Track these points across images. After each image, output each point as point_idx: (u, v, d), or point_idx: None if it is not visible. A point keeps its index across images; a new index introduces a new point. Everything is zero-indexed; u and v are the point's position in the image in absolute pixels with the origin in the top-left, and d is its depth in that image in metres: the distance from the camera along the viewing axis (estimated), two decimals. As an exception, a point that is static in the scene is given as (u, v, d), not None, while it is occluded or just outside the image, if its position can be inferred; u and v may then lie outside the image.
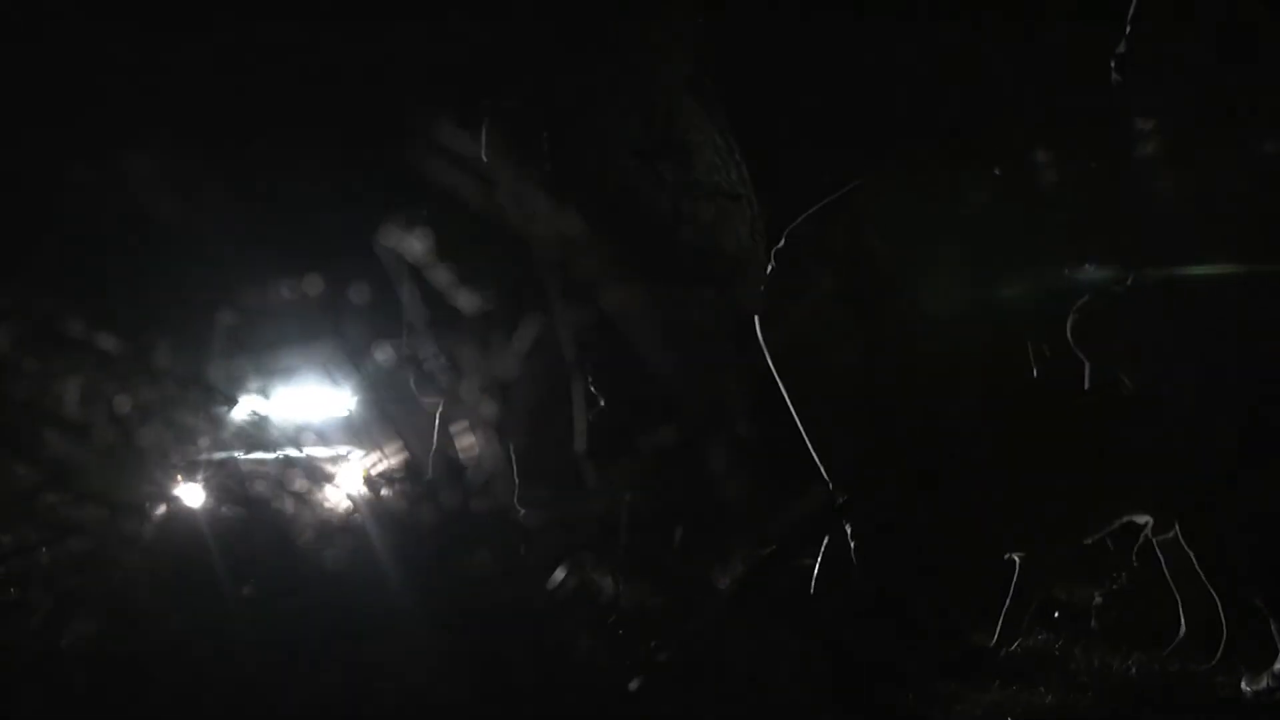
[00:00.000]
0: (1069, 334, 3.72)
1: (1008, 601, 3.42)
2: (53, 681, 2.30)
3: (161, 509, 2.53)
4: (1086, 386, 3.65)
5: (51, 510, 2.39)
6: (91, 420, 2.39)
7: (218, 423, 2.60)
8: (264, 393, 2.79)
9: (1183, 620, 3.43)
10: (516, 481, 4.17)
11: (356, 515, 2.65)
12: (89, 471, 2.36)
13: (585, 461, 3.59)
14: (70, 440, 2.33)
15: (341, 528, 2.62)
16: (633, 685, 2.53)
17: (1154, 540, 3.47)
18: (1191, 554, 3.31)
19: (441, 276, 3.74)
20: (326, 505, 2.66)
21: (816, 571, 3.67)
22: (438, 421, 4.28)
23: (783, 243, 3.74)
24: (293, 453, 2.68)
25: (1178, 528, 3.34)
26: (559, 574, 2.48)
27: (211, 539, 2.48)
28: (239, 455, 2.69)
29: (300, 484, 2.59)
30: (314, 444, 2.86)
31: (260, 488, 2.57)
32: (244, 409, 2.72)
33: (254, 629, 2.41)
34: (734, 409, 4.11)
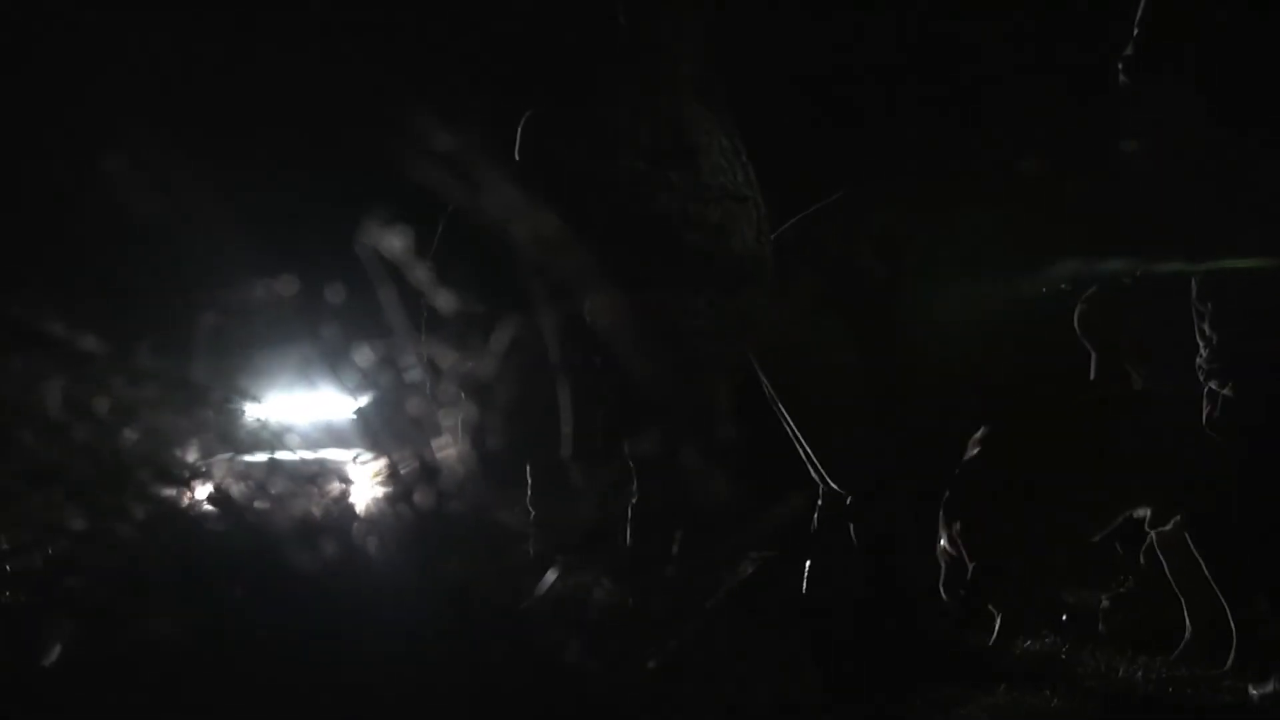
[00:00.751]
0: (1076, 325, 3.71)
1: (1011, 604, 3.40)
2: (45, 683, 2.29)
3: (154, 511, 2.51)
4: (1093, 377, 3.63)
5: (40, 512, 2.38)
6: (84, 421, 2.38)
7: (212, 425, 2.59)
8: (258, 396, 2.77)
9: (1188, 624, 3.40)
10: (529, 481, 4.17)
11: (351, 518, 2.63)
12: (79, 473, 2.35)
13: (583, 463, 3.57)
14: (59, 442, 2.32)
15: (335, 531, 2.59)
16: (630, 689, 2.51)
17: (1156, 543, 3.45)
18: (1197, 557, 3.28)
19: (446, 279, 3.73)
20: (321, 508, 2.63)
21: (816, 574, 3.66)
22: (438, 424, 4.25)
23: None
24: (288, 455, 2.65)
25: (1184, 529, 3.31)
26: (552, 576, 2.46)
27: (202, 542, 2.46)
28: (234, 458, 2.68)
29: (294, 486, 2.57)
30: (313, 446, 2.84)
31: (253, 490, 2.55)
32: (239, 411, 2.71)
33: (245, 633, 2.39)
34: (735, 411, 4.09)
